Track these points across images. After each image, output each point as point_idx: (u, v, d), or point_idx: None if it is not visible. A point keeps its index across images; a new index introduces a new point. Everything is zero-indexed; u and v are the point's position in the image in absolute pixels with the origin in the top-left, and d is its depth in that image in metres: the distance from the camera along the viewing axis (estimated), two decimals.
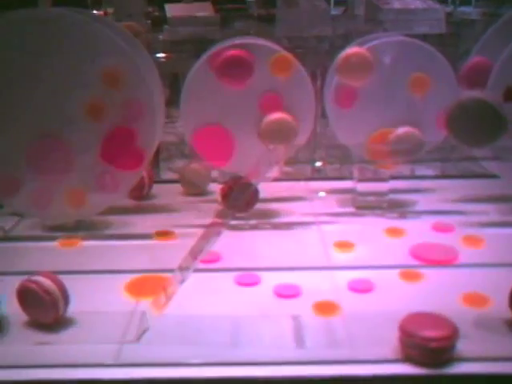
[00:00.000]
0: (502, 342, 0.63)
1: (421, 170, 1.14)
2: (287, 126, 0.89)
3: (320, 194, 1.04)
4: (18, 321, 0.67)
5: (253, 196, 0.88)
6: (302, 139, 0.93)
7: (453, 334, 0.59)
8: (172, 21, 3.04)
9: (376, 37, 0.97)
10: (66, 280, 0.67)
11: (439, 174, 1.13)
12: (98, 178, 0.88)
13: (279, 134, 0.89)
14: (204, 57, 0.92)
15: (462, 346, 0.60)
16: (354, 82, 0.94)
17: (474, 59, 0.92)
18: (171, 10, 3.19)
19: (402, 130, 0.92)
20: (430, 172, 1.14)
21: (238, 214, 0.89)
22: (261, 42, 0.95)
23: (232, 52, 0.90)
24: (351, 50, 0.93)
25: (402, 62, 0.94)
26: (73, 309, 0.67)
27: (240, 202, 0.81)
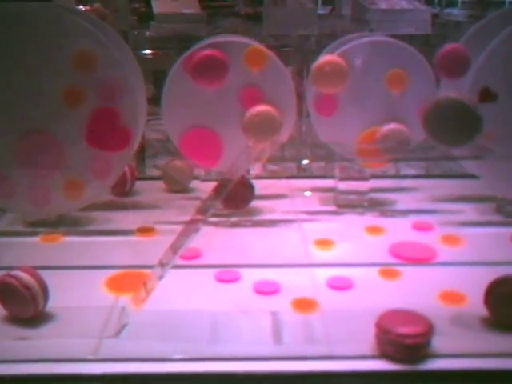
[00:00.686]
0: (477, 338, 0.64)
1: (404, 170, 1.15)
2: (270, 118, 0.89)
3: (306, 194, 1.04)
4: None
5: (249, 192, 0.88)
6: (285, 133, 0.93)
7: (428, 331, 0.60)
8: (159, 17, 3.02)
9: (347, 39, 0.98)
10: (47, 275, 0.68)
11: (421, 174, 1.14)
12: (90, 165, 0.88)
13: (263, 127, 0.89)
14: (178, 61, 0.92)
15: (438, 343, 0.61)
16: (331, 89, 0.94)
17: (448, 46, 0.92)
18: (158, 7, 3.18)
19: (387, 128, 0.93)
20: (413, 171, 1.15)
21: (233, 211, 0.90)
22: (233, 38, 0.95)
23: (204, 53, 0.90)
24: (323, 59, 0.93)
25: (376, 62, 0.95)
26: (52, 304, 0.67)
27: (236, 198, 0.81)
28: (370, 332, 0.62)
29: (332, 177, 1.02)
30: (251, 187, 0.90)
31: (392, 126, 0.93)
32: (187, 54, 0.92)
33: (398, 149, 0.87)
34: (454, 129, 0.70)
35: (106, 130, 0.87)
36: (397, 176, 1.12)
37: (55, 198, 0.90)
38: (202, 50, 0.91)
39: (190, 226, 0.65)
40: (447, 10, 4.36)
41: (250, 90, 0.92)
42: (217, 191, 0.66)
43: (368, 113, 0.96)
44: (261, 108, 0.90)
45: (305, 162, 1.34)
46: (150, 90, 1.10)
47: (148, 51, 2.26)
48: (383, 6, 2.57)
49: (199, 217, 0.66)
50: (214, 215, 0.70)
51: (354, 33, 1.01)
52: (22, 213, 0.93)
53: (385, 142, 0.90)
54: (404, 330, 0.59)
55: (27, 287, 0.64)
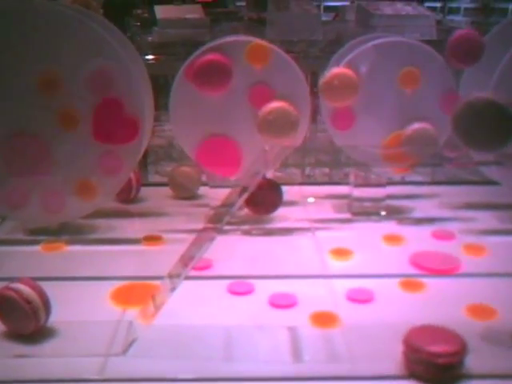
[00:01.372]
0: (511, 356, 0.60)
1: (410, 177, 1.10)
2: (285, 114, 0.85)
3: (309, 200, 1.00)
4: None
5: (278, 196, 0.84)
6: (302, 129, 0.88)
7: (461, 349, 0.55)
8: (162, 22, 3.00)
9: (353, 44, 0.94)
10: (48, 287, 0.63)
11: (431, 181, 1.10)
12: (100, 162, 0.84)
13: (278, 124, 0.84)
14: (180, 70, 0.88)
15: (470, 362, 0.56)
16: (344, 102, 0.90)
17: (460, 31, 0.88)
18: (161, 12, 3.15)
19: (412, 128, 0.88)
20: (419, 178, 1.11)
21: (262, 216, 0.86)
22: (232, 38, 0.90)
23: (203, 59, 0.86)
24: (330, 73, 0.89)
25: (385, 65, 0.91)
26: (55, 318, 0.63)
27: (265, 202, 0.77)
28: (397, 349, 0.58)
29: (339, 183, 0.99)
30: (280, 190, 0.85)
31: (416, 125, 0.88)
32: (188, 62, 0.87)
33: (426, 149, 0.82)
34: (486, 132, 0.65)
35: (111, 122, 0.83)
36: (414, 182, 1.07)
37: (69, 203, 0.86)
38: (202, 56, 0.87)
39: (203, 236, 0.61)
40: (450, 17, 4.34)
41: (259, 88, 0.88)
42: (232, 198, 0.61)
43: (388, 118, 0.91)
44: (273, 105, 0.85)
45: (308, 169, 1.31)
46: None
47: (151, 56, 2.23)
48: (388, 11, 2.54)
49: (213, 225, 0.62)
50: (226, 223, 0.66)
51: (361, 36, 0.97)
52: (22, 220, 0.89)
53: (411, 144, 0.85)
54: (436, 348, 0.55)
55: (28, 301, 0.60)
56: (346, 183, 0.96)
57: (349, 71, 0.89)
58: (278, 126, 0.84)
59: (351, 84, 0.88)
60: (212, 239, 0.63)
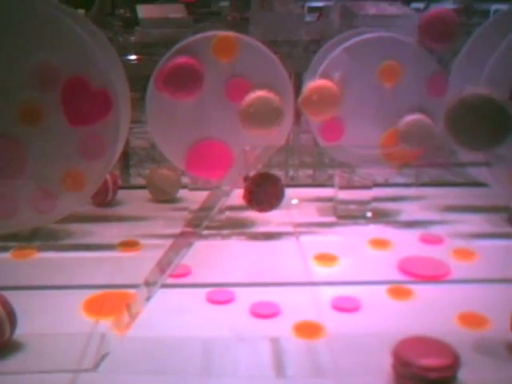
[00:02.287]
0: (505, 368, 0.56)
1: (393, 179, 1.07)
2: (266, 103, 0.81)
3: (293, 202, 0.97)
4: None
5: (280, 190, 0.81)
6: (288, 118, 0.85)
7: (454, 363, 0.52)
8: (144, 22, 2.96)
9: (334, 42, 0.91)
10: (15, 296, 0.59)
11: (415, 182, 1.07)
12: (81, 146, 0.80)
13: (261, 115, 0.80)
14: (151, 79, 0.84)
15: (464, 375, 0.53)
16: (329, 114, 0.87)
17: (433, 10, 0.86)
18: (143, 11, 3.11)
19: (405, 121, 0.85)
20: (402, 180, 1.08)
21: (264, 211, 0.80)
22: (194, 37, 0.85)
23: (170, 65, 0.82)
24: (308, 88, 0.85)
25: (361, 65, 0.88)
26: (21, 331, 0.59)
27: (267, 197, 0.73)
28: (385, 362, 0.54)
29: (322, 185, 0.97)
30: (279, 181, 0.82)
31: (409, 118, 0.85)
32: (156, 70, 0.83)
33: (423, 142, 0.79)
34: (482, 131, 0.62)
35: (79, 99, 0.78)
36: (398, 184, 1.04)
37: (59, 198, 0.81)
38: (169, 61, 0.83)
39: (181, 241, 0.57)
40: None
41: (234, 82, 0.84)
42: (212, 201, 0.58)
43: (378, 117, 0.88)
44: (252, 96, 0.81)
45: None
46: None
47: (133, 57, 2.21)
48: (372, 11, 2.52)
49: (191, 230, 0.58)
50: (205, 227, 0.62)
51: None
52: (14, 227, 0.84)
53: (408, 138, 0.82)
54: (427, 361, 0.51)
55: None
56: (331, 185, 0.93)
57: (326, 82, 0.86)
58: (262, 116, 0.80)
59: (331, 94, 0.85)
60: (190, 244, 0.60)
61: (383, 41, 0.88)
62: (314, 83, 0.86)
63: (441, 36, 0.86)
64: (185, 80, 0.83)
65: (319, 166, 1.25)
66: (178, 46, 0.84)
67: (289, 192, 1.00)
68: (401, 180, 1.07)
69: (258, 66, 0.84)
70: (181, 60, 0.83)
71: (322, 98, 0.85)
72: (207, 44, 0.83)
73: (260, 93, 0.81)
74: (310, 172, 1.33)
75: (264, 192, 0.73)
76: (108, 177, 0.92)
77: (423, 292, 0.70)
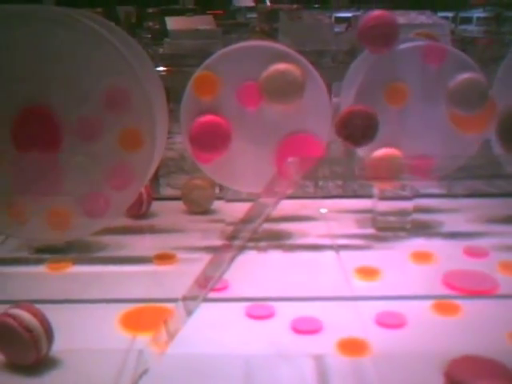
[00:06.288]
0: None
1: (425, 189, 1.04)
2: (291, 75, 0.79)
3: (322, 211, 0.95)
4: None
5: (372, 127, 0.79)
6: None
7: None
8: (173, 34, 2.96)
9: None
10: (52, 311, 0.58)
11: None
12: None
13: (283, 85, 0.79)
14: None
15: None
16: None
17: (373, 12, 0.85)
18: (173, 23, 3.13)
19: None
20: (435, 191, 1.05)
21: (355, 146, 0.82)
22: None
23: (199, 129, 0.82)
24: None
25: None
26: (58, 347, 0.58)
27: (358, 131, 0.71)
28: (436, 382, 0.52)
29: (356, 196, 0.96)
30: (376, 124, 0.81)
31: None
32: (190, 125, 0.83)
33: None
34: None
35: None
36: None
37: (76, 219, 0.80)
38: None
39: (223, 254, 0.55)
40: (462, 27, 4.30)
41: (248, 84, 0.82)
42: (254, 214, 0.56)
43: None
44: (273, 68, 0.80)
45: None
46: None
47: (162, 68, 2.22)
48: (401, 20, 2.50)
49: (233, 243, 0.56)
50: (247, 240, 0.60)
51: None
52: (28, 239, 0.83)
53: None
54: (483, 383, 0.49)
55: (28, 329, 0.55)
56: (361, 196, 0.91)
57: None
58: (281, 87, 0.79)
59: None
60: (233, 258, 0.58)
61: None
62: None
63: (381, 42, 0.85)
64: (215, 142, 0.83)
65: (350, 177, 1.22)
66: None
67: (321, 203, 0.99)
68: (433, 191, 1.04)
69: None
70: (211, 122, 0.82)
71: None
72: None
73: (280, 66, 0.80)
74: (339, 183, 1.30)
75: (362, 128, 0.71)
76: (142, 188, 0.91)
77: (470, 307, 0.68)
